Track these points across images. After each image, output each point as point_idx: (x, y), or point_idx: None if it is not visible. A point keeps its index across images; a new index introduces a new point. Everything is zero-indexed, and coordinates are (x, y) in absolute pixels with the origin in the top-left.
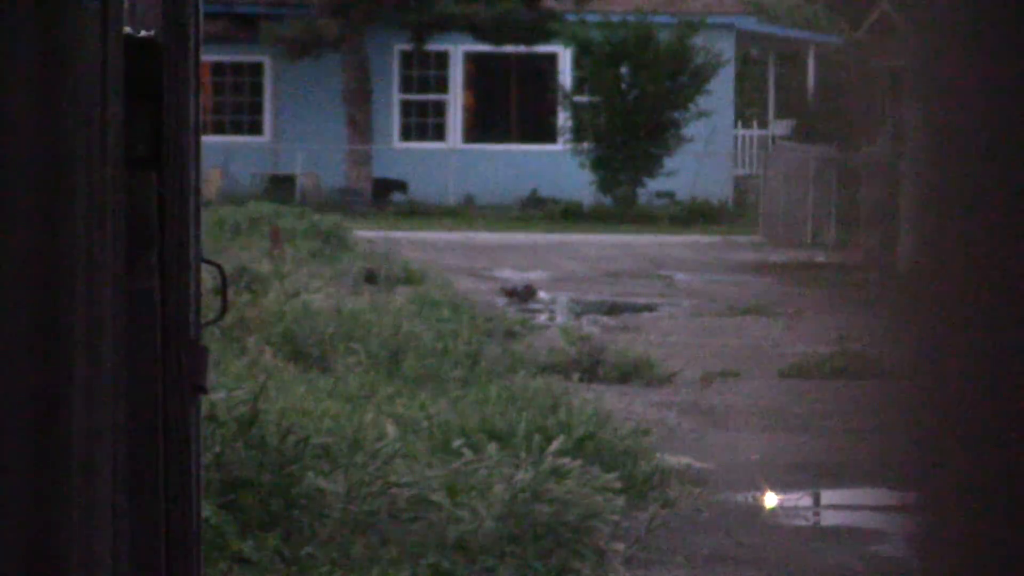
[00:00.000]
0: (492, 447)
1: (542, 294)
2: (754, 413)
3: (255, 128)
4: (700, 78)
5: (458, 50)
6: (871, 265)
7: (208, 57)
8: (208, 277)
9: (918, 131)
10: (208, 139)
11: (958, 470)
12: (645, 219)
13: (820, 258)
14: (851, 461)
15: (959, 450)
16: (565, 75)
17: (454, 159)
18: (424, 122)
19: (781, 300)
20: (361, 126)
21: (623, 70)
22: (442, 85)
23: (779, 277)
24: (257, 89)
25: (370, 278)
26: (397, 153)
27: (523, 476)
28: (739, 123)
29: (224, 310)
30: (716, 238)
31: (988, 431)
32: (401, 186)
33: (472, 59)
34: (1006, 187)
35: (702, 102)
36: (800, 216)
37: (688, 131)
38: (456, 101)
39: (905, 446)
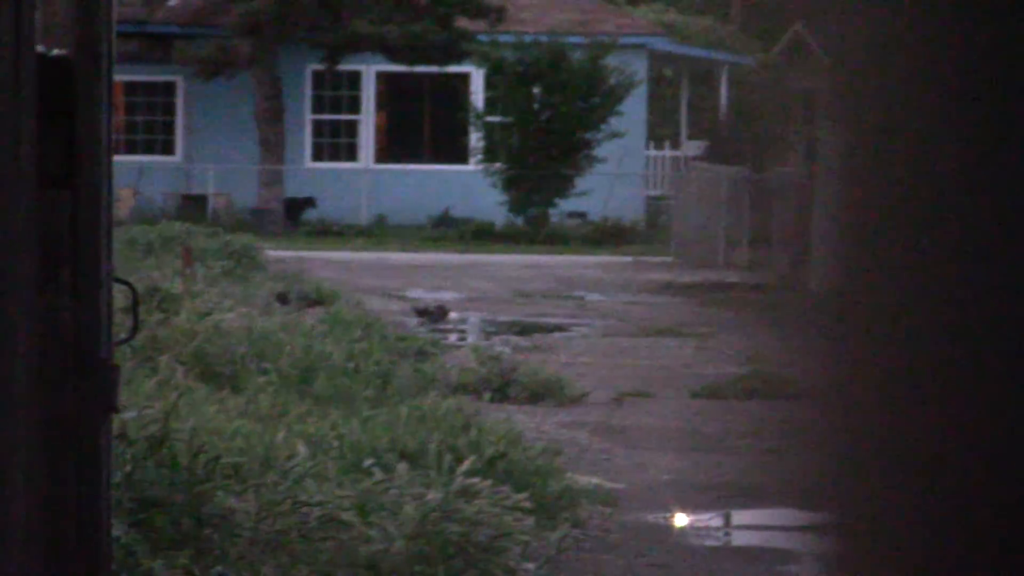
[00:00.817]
0: (403, 467)
1: (454, 314)
2: (666, 434)
3: (167, 148)
4: (613, 98)
5: (370, 70)
6: (783, 286)
7: (121, 76)
8: (120, 296)
9: (830, 152)
10: (120, 158)
11: (868, 490)
12: (557, 239)
13: (732, 279)
14: (763, 481)
15: (869, 471)
16: (477, 95)
17: (366, 179)
18: (336, 142)
19: (693, 321)
20: (273, 146)
21: (535, 90)
22: (354, 105)
23: (691, 298)
24: (170, 109)
25: (282, 298)
26: (309, 173)
27: (433, 496)
28: (651, 144)
29: (135, 329)
30: (628, 259)
31: (898, 451)
32: (312, 204)
33: (384, 79)
34: (917, 206)
35: (614, 123)
36: (712, 237)
37: (600, 151)
38: (368, 121)
39: (815, 467)
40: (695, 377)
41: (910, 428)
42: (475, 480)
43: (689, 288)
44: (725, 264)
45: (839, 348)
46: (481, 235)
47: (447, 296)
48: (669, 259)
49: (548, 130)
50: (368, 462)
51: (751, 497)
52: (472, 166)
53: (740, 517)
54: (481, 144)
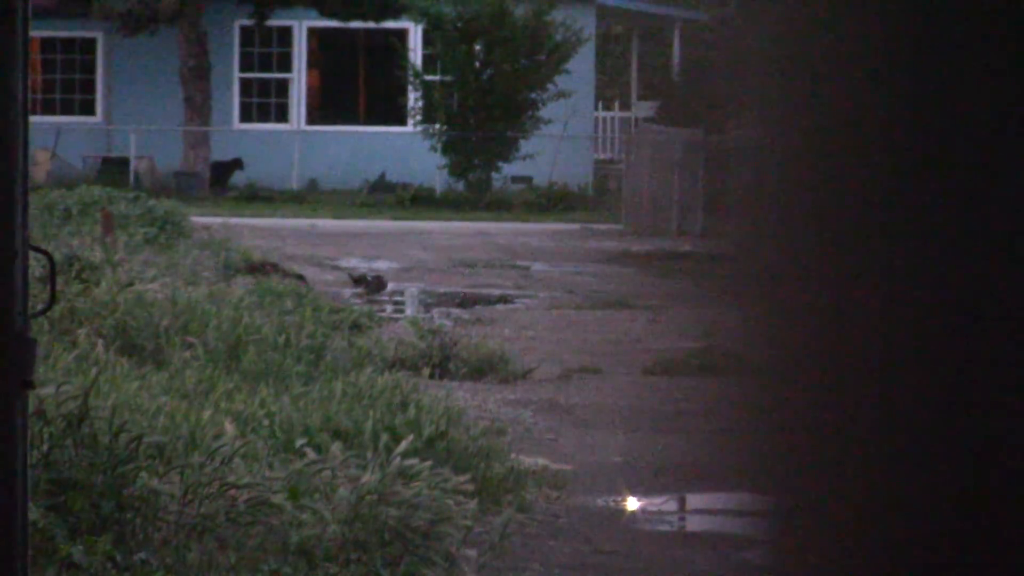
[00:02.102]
0: (336, 447)
1: (391, 285)
2: (616, 412)
3: (87, 108)
4: (559, 56)
5: (302, 26)
6: (739, 256)
7: (37, 32)
8: (36, 265)
9: (784, 114)
10: (37, 119)
11: (818, 472)
12: (500, 206)
13: (686, 248)
14: (719, 463)
15: (820, 451)
16: (415, 53)
17: (297, 141)
18: (266, 102)
19: (645, 292)
20: (199, 106)
21: (477, 47)
22: (285, 63)
23: (643, 268)
24: (89, 67)
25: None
26: (237, 135)
27: (369, 478)
28: (600, 105)
29: (52, 300)
30: (575, 226)
31: (851, 431)
32: (240, 167)
33: (317, 35)
34: (874, 170)
35: (561, 82)
36: (665, 203)
37: (546, 113)
38: (300, 80)
39: (767, 448)
40: (647, 352)
41: (849, 404)
42: (413, 461)
43: (640, 258)
44: (679, 232)
45: (790, 321)
46: (419, 201)
47: (384, 266)
48: (619, 227)
49: (490, 90)
50: (300, 442)
51: (706, 480)
52: (410, 128)
53: (695, 501)
54: (419, 105)
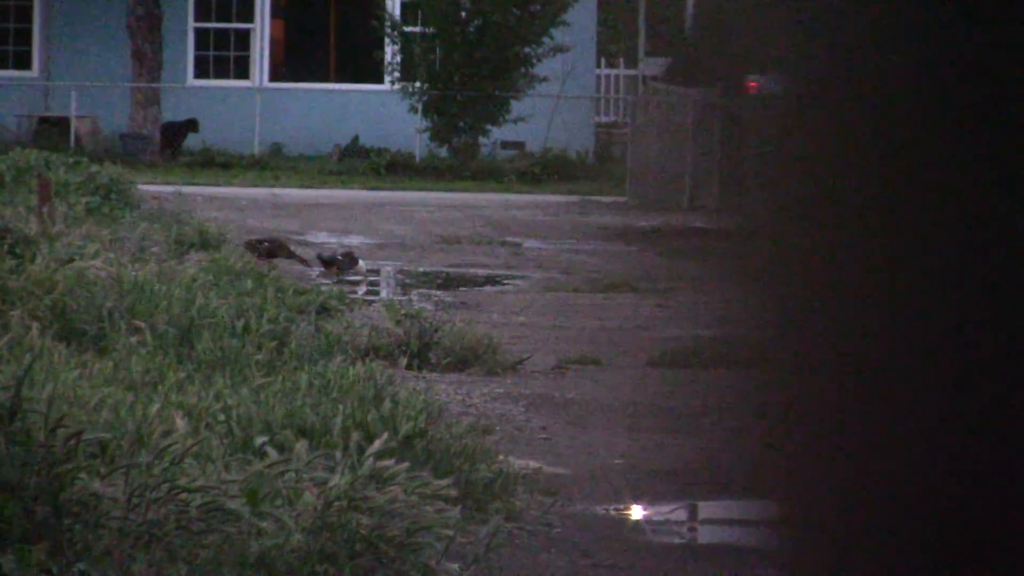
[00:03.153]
0: (301, 446)
1: (363, 263)
2: (618, 409)
3: (22, 62)
4: (556, 6)
5: None
6: (759, 231)
7: None
8: None
9: (810, 69)
10: None
11: (833, 476)
12: (488, 174)
13: (699, 223)
14: (732, 466)
15: (839, 454)
16: (393, 1)
17: (259, 100)
18: (224, 56)
19: (651, 274)
20: (148, 60)
21: None
22: (246, 12)
23: (650, 246)
24: (25, 15)
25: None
26: (191, 92)
27: (338, 481)
28: (602, 61)
29: None
30: (574, 198)
31: (874, 434)
32: (195, 129)
33: None
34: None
35: (558, 35)
36: (676, 173)
37: (541, 70)
38: (262, 31)
39: (780, 448)
40: (653, 341)
41: (886, 408)
42: (388, 463)
43: (647, 234)
44: (691, 206)
45: (808, 306)
46: (397, 168)
47: (355, 241)
48: (623, 199)
49: (478, 43)
50: (260, 440)
51: (718, 486)
52: (386, 86)
53: (706, 510)
54: (397, 60)
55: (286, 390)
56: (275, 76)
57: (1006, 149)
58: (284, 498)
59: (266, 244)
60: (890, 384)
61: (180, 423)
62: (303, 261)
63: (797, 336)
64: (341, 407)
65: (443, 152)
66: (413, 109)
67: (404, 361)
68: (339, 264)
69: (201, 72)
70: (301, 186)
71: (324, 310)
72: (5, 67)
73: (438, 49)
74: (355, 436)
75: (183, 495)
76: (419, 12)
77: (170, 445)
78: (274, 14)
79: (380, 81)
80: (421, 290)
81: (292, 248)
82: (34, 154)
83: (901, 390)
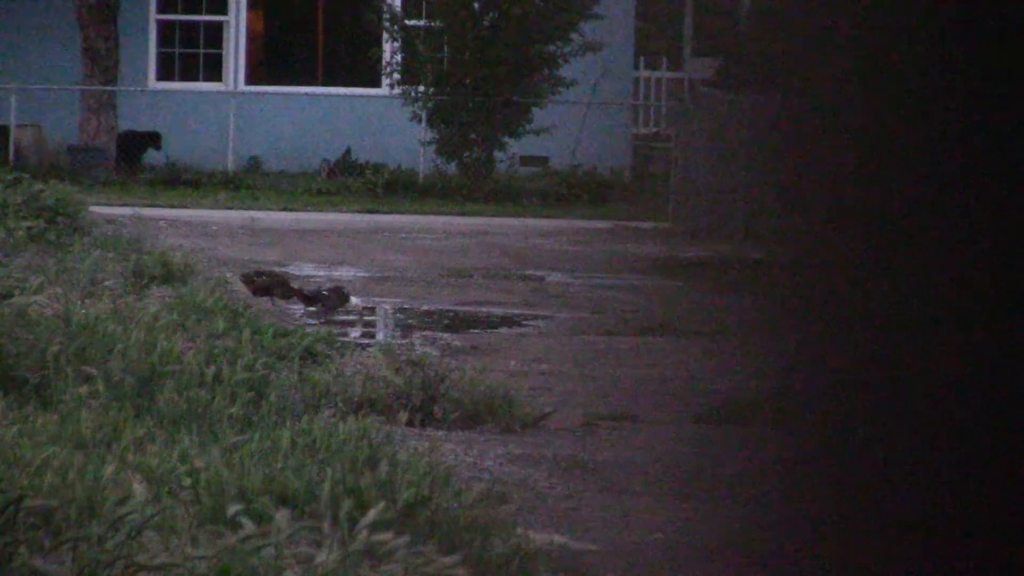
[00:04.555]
0: (283, 516)
1: (356, 300)
2: (657, 473)
3: None
4: None
5: None
6: (826, 263)
7: None
8: None
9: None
10: None
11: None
12: (506, 195)
13: (756, 254)
14: (796, 544)
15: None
16: None
17: (234, 107)
18: (192, 54)
19: (698, 314)
20: (103, 59)
21: None
22: (218, 3)
23: (696, 281)
24: None
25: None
26: (154, 98)
27: (326, 558)
28: (642, 62)
29: None
30: (607, 224)
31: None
32: (157, 142)
33: None
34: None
35: (589, 31)
36: (727, 195)
37: (568, 72)
38: (238, 25)
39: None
40: (700, 394)
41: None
42: (385, 536)
43: (694, 267)
44: (746, 233)
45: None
46: (397, 188)
47: (348, 274)
48: (666, 225)
49: (493, 40)
50: (233, 509)
51: (779, 567)
52: (385, 90)
53: None
54: (398, 59)
55: (264, 450)
56: (253, 78)
57: None
58: None
59: (264, 278)
60: (961, 450)
61: (138, 488)
62: (305, 300)
63: (852, 388)
64: (329, 470)
65: (451, 169)
66: (416, 118)
67: (404, 416)
68: (325, 301)
69: (165, 73)
70: (283, 208)
71: (310, 355)
72: None
73: (446, 47)
74: (346, 504)
75: (142, 574)
76: (423, 3)
77: (126, 515)
78: (251, 5)
79: (377, 85)
80: (425, 332)
81: (293, 285)
82: None
83: (972, 457)
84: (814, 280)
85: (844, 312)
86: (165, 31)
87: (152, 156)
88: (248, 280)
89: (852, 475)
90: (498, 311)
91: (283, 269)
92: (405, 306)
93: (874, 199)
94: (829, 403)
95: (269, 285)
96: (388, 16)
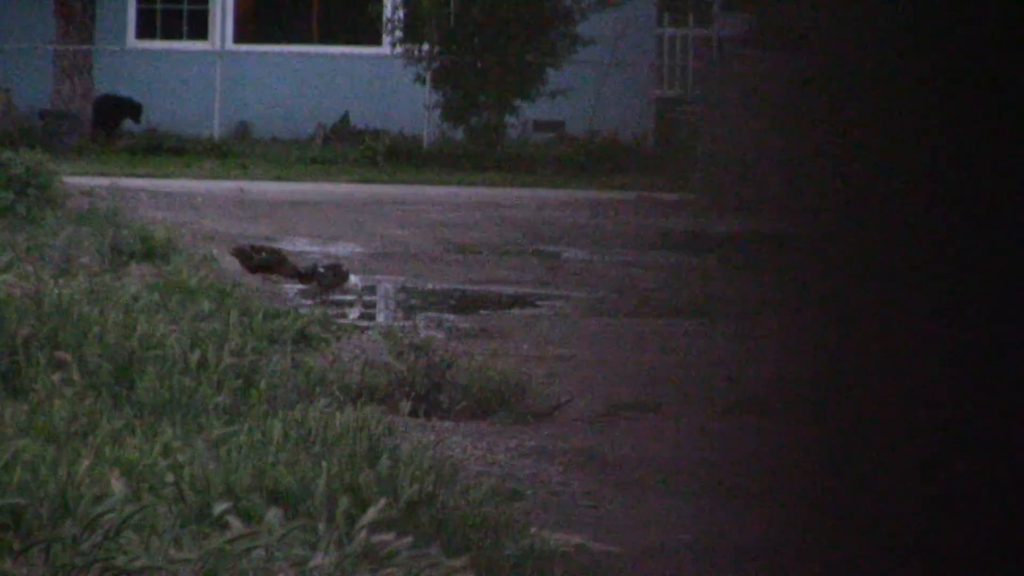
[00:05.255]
0: (274, 515)
1: (354, 278)
2: (683, 468)
3: None
4: None
5: None
6: (868, 239)
7: None
8: None
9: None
10: None
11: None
12: (518, 164)
13: (789, 228)
14: (835, 544)
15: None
16: None
17: (220, 68)
18: (175, 10)
19: (729, 294)
20: (77, 17)
21: None
22: None
23: (726, 258)
24: None
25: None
26: (133, 58)
27: (322, 561)
28: (666, 18)
29: None
30: (628, 195)
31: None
32: (136, 109)
33: None
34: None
35: None
36: (761, 163)
37: (586, 29)
38: None
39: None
40: (732, 382)
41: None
42: (387, 537)
43: (724, 242)
44: (780, 206)
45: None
46: (399, 156)
47: (344, 250)
48: (693, 196)
49: None
50: (221, 507)
51: (815, 568)
52: (386, 49)
53: None
54: (400, 15)
55: (254, 443)
56: (241, 36)
57: None
58: None
59: (263, 255)
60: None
61: (116, 485)
62: (299, 278)
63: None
64: (325, 465)
65: (458, 135)
66: (420, 79)
67: (407, 406)
68: (321, 279)
69: (145, 31)
70: (275, 178)
71: (304, 339)
72: None
73: (452, 1)
74: (343, 502)
75: None
76: None
77: (103, 514)
78: None
79: (378, 43)
80: (430, 314)
81: (295, 265)
82: None
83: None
84: (839, 257)
85: (871, 294)
86: None
87: (132, 123)
88: (244, 257)
89: (887, 473)
90: (509, 290)
91: (273, 244)
92: (408, 285)
93: (904, 172)
94: (858, 394)
95: (267, 263)
96: None
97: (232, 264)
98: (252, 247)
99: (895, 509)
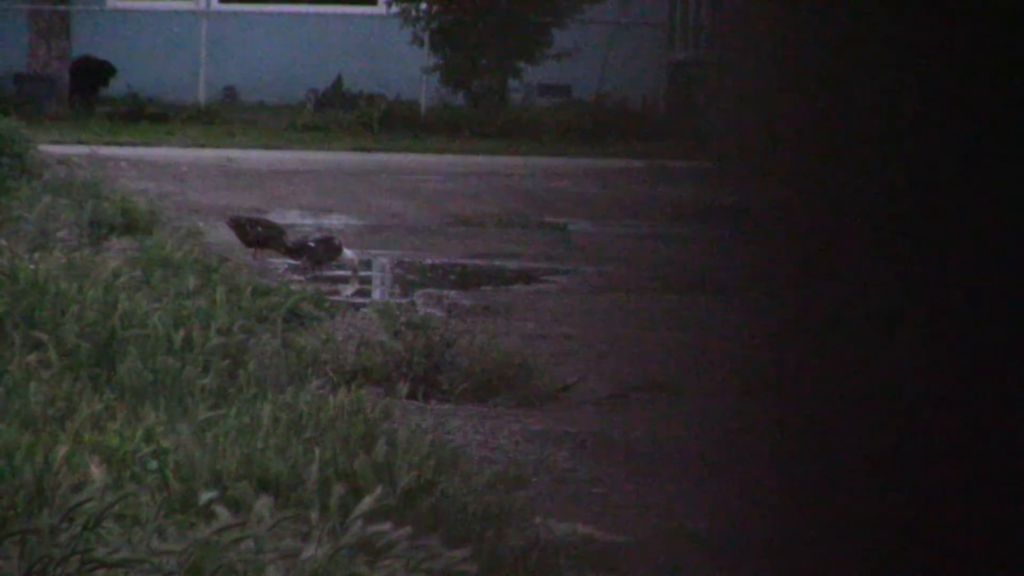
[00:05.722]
0: (264, 504)
1: (348, 252)
2: (698, 454)
3: None
4: None
5: None
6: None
7: None
8: None
9: None
10: None
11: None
12: (521, 131)
13: (805, 198)
14: (861, 537)
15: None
16: None
17: (205, 28)
18: None
19: (746, 269)
20: None
21: None
22: None
23: (744, 230)
24: None
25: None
26: (112, 18)
27: (315, 552)
28: None
29: None
30: (639, 163)
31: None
32: (105, 77)
33: None
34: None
35: None
36: (781, 128)
37: None
38: None
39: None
40: (748, 362)
41: None
42: (383, 527)
43: (741, 213)
44: (799, 175)
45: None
46: (395, 122)
47: (338, 223)
48: (708, 164)
49: None
50: (207, 496)
51: (841, 560)
52: (381, 8)
53: None
54: None
55: (242, 427)
56: None
57: None
58: (240, 574)
59: (260, 229)
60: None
61: (96, 472)
62: (290, 253)
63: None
64: (318, 451)
65: (458, 100)
66: (417, 40)
67: (405, 388)
68: (313, 254)
69: None
70: (263, 147)
71: (295, 317)
72: None
73: None
74: (337, 490)
75: (101, 571)
76: None
77: (82, 503)
78: None
79: (372, 2)
80: (429, 290)
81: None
82: None
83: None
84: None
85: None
86: None
87: (113, 87)
88: (240, 230)
89: (906, 465)
90: (513, 265)
91: (263, 216)
92: (405, 259)
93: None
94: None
95: (265, 236)
96: None
97: (221, 237)
98: (249, 219)
99: (910, 500)
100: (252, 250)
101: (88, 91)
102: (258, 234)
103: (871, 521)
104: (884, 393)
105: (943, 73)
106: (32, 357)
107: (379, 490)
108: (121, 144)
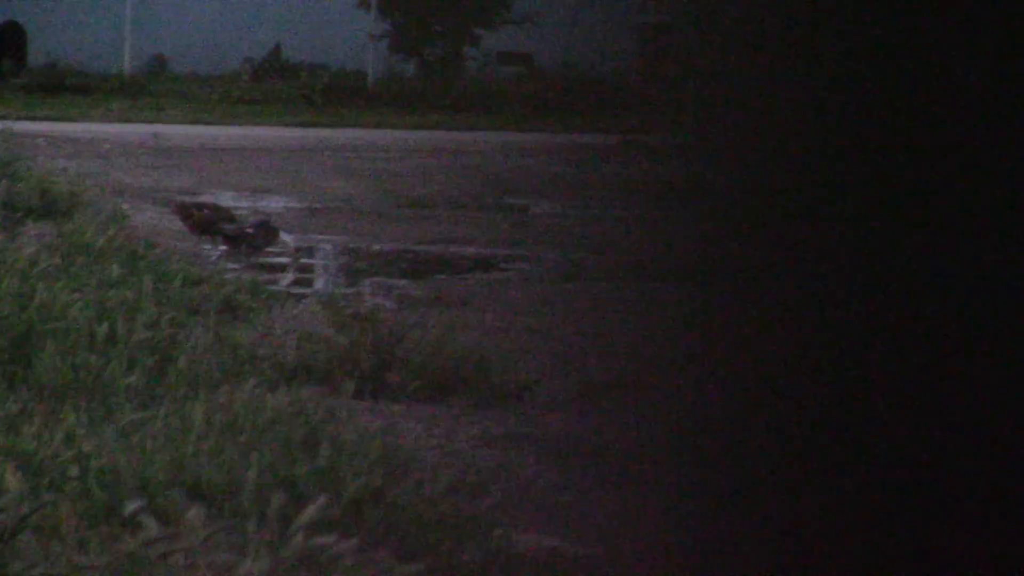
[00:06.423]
0: (196, 514)
1: (288, 238)
2: (672, 458)
3: None
4: None
5: None
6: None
7: None
8: None
9: None
10: None
11: None
12: (479, 103)
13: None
14: (847, 543)
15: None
16: None
17: None
18: None
19: (727, 255)
20: None
21: None
22: None
23: (724, 213)
24: None
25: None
26: None
27: (252, 567)
28: None
29: None
30: (608, 138)
31: None
32: (16, 41)
33: None
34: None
35: None
36: (763, 100)
37: None
38: None
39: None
40: (730, 357)
41: None
42: (328, 539)
43: (720, 194)
44: (784, 151)
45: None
46: (340, 94)
47: (277, 205)
48: (684, 140)
49: None
50: (133, 505)
51: (829, 570)
52: None
53: None
54: None
55: (172, 430)
56: None
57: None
58: None
59: (205, 212)
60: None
61: (11, 480)
62: (224, 239)
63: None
64: (255, 456)
65: (410, 70)
66: (364, 4)
67: (351, 386)
68: (249, 239)
69: None
70: (194, 121)
71: (230, 309)
72: None
73: None
74: (277, 499)
75: None
76: None
77: None
78: None
79: None
80: (377, 279)
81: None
82: None
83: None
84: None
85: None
86: None
87: (30, 56)
88: (186, 215)
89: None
90: (470, 251)
91: (193, 198)
92: (351, 245)
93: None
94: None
95: (210, 221)
96: None
97: (148, 221)
98: (195, 204)
99: (896, 508)
100: (202, 237)
101: (1, 59)
102: (202, 217)
103: (848, 525)
104: (866, 389)
105: (917, 39)
106: None
107: (323, 498)
108: (39, 119)
